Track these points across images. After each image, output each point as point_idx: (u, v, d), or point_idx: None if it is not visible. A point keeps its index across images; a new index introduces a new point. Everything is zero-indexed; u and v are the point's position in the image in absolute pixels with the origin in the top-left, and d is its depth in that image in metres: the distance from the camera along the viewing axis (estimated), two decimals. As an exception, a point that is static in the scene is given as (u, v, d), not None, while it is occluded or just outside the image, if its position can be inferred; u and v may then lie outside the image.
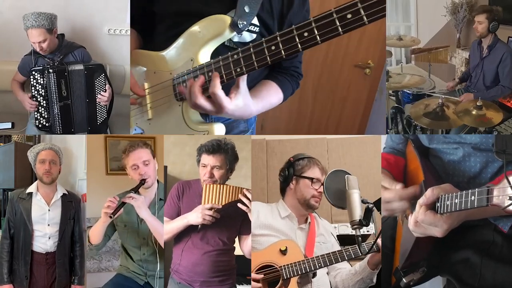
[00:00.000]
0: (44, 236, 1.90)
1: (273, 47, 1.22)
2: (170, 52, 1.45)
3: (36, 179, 1.98)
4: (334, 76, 2.98)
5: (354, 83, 3.00)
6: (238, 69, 1.29)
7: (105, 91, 2.13)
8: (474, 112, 2.19)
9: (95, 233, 1.69)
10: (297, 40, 1.18)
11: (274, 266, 1.62)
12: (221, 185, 1.60)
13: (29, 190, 1.94)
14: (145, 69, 1.50)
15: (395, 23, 3.07)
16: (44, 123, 2.13)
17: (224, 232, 1.65)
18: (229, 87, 1.33)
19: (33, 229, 1.88)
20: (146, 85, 1.50)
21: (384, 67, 2.87)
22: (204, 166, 1.65)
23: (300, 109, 3.07)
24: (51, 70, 2.03)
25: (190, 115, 1.44)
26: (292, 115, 3.09)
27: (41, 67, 2.07)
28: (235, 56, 1.29)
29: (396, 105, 2.69)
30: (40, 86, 2.08)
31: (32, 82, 2.08)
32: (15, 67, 2.19)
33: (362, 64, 2.93)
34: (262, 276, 1.61)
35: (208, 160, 1.64)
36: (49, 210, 1.92)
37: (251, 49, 1.26)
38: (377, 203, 1.35)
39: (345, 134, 2.99)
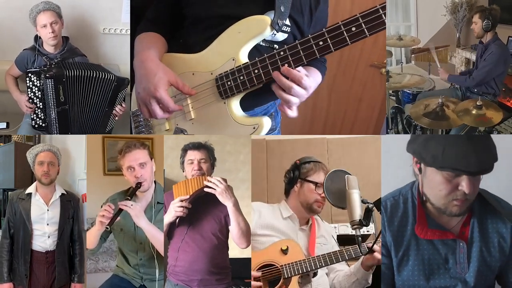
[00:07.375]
0: (44, 235, 1.90)
1: (321, 42, 1.30)
2: (208, 53, 1.48)
3: (36, 179, 1.98)
4: (350, 76, 2.95)
5: (370, 83, 2.96)
6: (286, 65, 1.34)
7: (122, 105, 2.15)
8: (474, 112, 2.20)
9: (90, 238, 1.67)
10: (345, 34, 1.26)
11: (275, 265, 1.62)
12: (187, 180, 1.66)
13: (28, 190, 1.94)
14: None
15: (395, 23, 3.07)
16: (41, 123, 2.13)
17: (214, 226, 1.67)
18: (268, 85, 1.38)
19: (32, 228, 1.88)
20: None
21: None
22: (191, 162, 1.71)
23: (315, 109, 3.06)
24: (48, 76, 2.01)
25: (236, 112, 1.47)
26: (307, 115, 3.09)
27: (38, 70, 2.05)
28: (282, 53, 1.34)
29: (396, 105, 2.70)
30: (36, 89, 2.07)
31: (28, 84, 2.08)
32: (7, 66, 2.18)
33: (378, 64, 2.88)
34: (260, 273, 1.61)
35: (194, 154, 1.72)
36: (48, 210, 1.92)
37: (298, 46, 1.32)
38: (377, 203, 1.34)
39: (361, 134, 2.96)
